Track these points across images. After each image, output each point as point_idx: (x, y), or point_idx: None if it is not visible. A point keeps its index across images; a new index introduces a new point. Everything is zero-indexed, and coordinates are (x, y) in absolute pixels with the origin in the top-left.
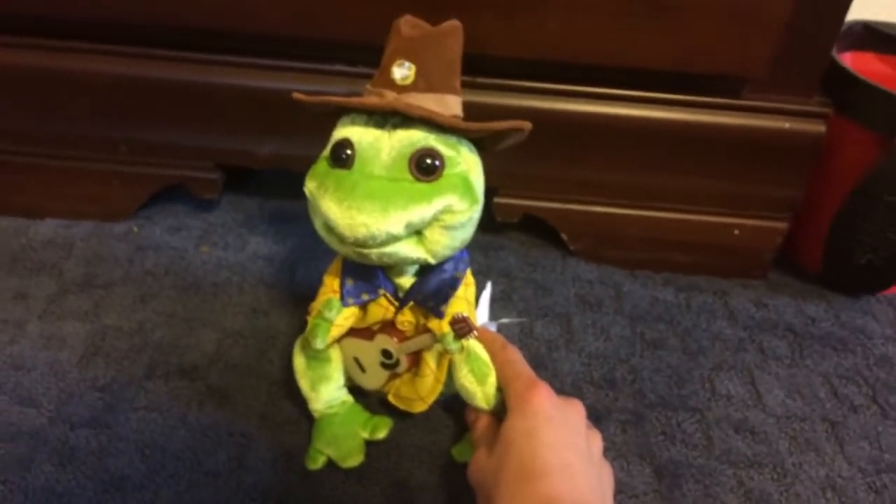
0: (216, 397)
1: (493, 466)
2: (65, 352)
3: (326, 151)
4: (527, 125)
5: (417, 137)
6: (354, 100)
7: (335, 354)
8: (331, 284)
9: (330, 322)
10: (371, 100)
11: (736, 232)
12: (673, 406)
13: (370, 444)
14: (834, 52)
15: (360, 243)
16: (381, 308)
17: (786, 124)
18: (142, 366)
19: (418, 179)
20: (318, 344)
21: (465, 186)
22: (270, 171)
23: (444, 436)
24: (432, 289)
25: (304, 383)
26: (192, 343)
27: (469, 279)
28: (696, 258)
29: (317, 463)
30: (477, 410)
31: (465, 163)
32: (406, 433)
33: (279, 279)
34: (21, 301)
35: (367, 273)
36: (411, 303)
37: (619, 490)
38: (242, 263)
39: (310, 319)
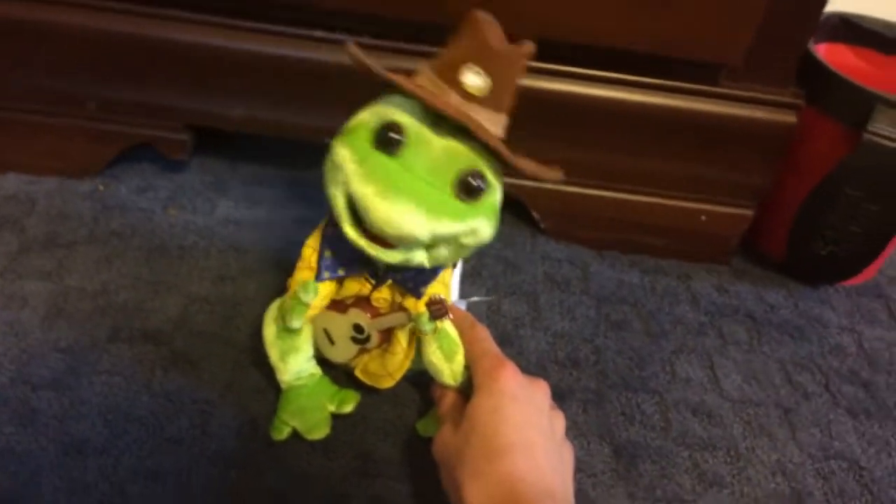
0: (181, 363)
1: (458, 443)
2: (26, 311)
3: (367, 122)
4: (559, 176)
5: (470, 157)
6: (424, 93)
7: (306, 326)
8: (308, 258)
9: (306, 305)
10: (440, 101)
11: (703, 217)
12: (633, 387)
13: (336, 417)
14: (809, 44)
15: (388, 238)
16: (358, 283)
17: (758, 113)
18: (105, 328)
19: (458, 197)
20: (295, 324)
21: (495, 214)
22: (243, 134)
23: (410, 410)
24: (413, 272)
25: (273, 353)
26: (157, 307)
27: None
28: (663, 241)
29: (282, 434)
30: (444, 387)
31: (499, 191)
32: (372, 407)
33: (248, 245)
34: None
35: (348, 248)
36: (389, 280)
37: (579, 469)
38: (211, 227)
39: (287, 297)
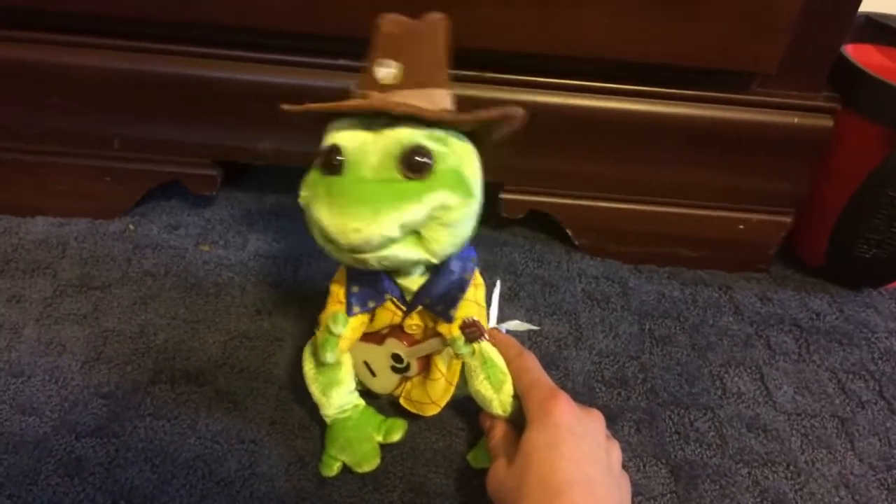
0: (224, 402)
1: (514, 479)
2: (65, 357)
3: (318, 160)
4: (516, 112)
5: (404, 135)
6: (336, 104)
7: (345, 358)
8: (337, 294)
9: (337, 337)
10: (353, 102)
11: (741, 226)
12: (685, 404)
13: (384, 449)
14: None
15: (356, 249)
16: (389, 312)
17: (794, 119)
18: (146, 371)
19: (409, 178)
20: (328, 358)
21: (459, 180)
22: (266, 165)
23: (458, 439)
24: (440, 292)
25: (314, 389)
26: (197, 346)
27: (478, 280)
28: (700, 252)
29: (332, 469)
30: (492, 417)
31: (457, 156)
32: (420, 436)
33: (282, 278)
34: (16, 304)
35: (372, 278)
36: (419, 307)
37: (637, 492)
38: (244, 262)
39: (318, 332)
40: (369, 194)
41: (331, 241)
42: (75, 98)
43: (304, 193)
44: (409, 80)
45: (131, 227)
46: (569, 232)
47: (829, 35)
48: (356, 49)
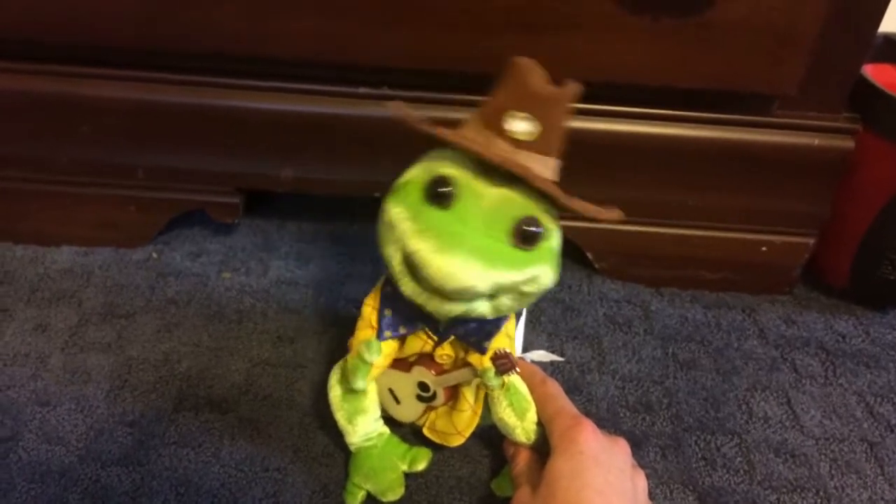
0: (248, 430)
1: None
2: (90, 386)
3: (417, 178)
4: (617, 216)
5: (524, 203)
6: (476, 144)
7: (371, 386)
8: (369, 317)
9: (370, 365)
10: (493, 154)
11: (763, 248)
12: (711, 429)
13: (408, 476)
14: None
15: (451, 295)
16: (420, 340)
17: (815, 140)
18: (170, 399)
19: (516, 246)
20: (359, 385)
21: (554, 259)
22: (287, 193)
23: (482, 467)
24: (474, 326)
25: (340, 416)
26: (221, 373)
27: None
28: (722, 275)
29: (356, 499)
30: (516, 445)
31: (558, 235)
32: (444, 464)
33: (303, 304)
34: (41, 333)
35: (408, 305)
36: (451, 336)
37: None
38: (266, 289)
39: (349, 357)
40: (479, 247)
41: (424, 277)
42: (101, 129)
43: (397, 210)
44: (543, 146)
45: (154, 255)
46: (589, 255)
47: (849, 56)
48: (376, 77)
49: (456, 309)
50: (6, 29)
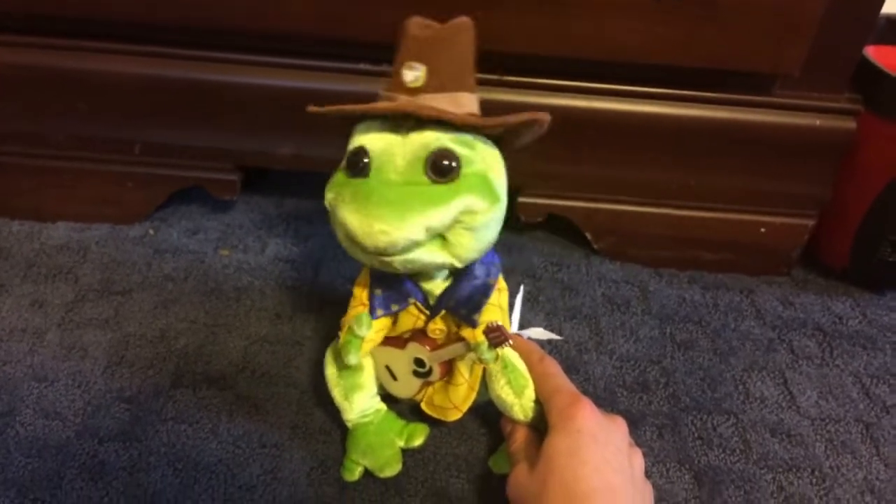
0: (246, 407)
1: (535, 485)
2: (87, 362)
3: (343, 161)
4: (544, 117)
5: (431, 139)
6: (365, 106)
7: (367, 362)
8: (360, 296)
9: (361, 339)
10: (379, 105)
11: (763, 230)
12: (707, 409)
13: (405, 453)
14: None
15: (381, 252)
16: (412, 316)
17: (816, 121)
18: (168, 375)
19: (435, 182)
20: (352, 360)
21: (485, 185)
22: (285, 170)
23: (479, 444)
24: (464, 296)
25: (336, 393)
26: (218, 350)
27: (502, 284)
28: (721, 256)
29: (353, 474)
30: (513, 422)
31: (484, 161)
32: (441, 441)
33: (301, 282)
34: (38, 308)
35: (396, 282)
36: (443, 311)
37: (661, 498)
38: (263, 266)
39: (341, 334)
40: (395, 197)
41: (356, 243)
42: (98, 104)
43: (329, 195)
44: (436, 84)
45: (151, 231)
46: (588, 236)
47: (852, 37)
48: (377, 53)
49: (407, 261)
50: (3, 2)
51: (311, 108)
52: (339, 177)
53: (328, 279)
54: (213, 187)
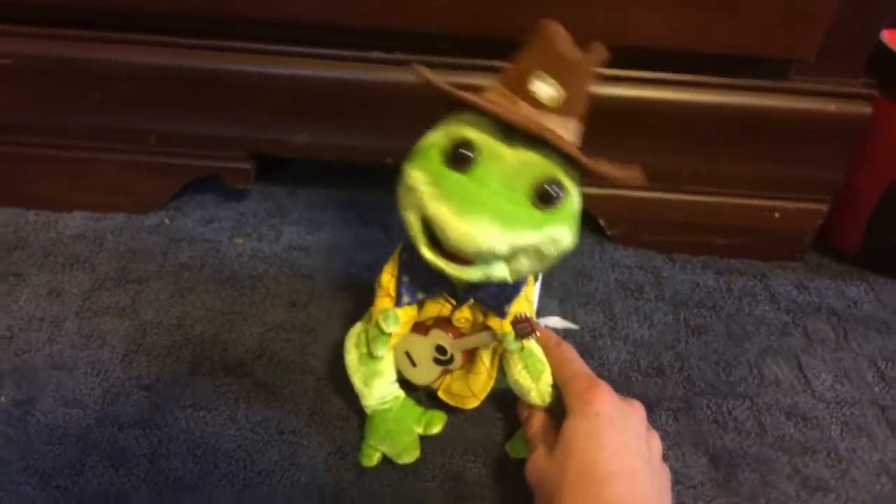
0: (263, 393)
1: (554, 469)
2: (105, 350)
3: (438, 142)
4: (641, 179)
5: (545, 165)
6: (498, 108)
7: (388, 350)
8: (387, 286)
9: (388, 335)
10: (515, 116)
11: (776, 215)
12: (723, 393)
13: (422, 439)
14: None
15: (465, 255)
16: (438, 304)
17: (831, 106)
18: (185, 362)
19: (536, 206)
20: (380, 354)
21: (574, 220)
22: (299, 159)
23: (496, 429)
24: (494, 290)
25: (356, 379)
26: (234, 338)
27: (529, 277)
28: (734, 241)
29: (371, 460)
30: (530, 407)
31: (578, 197)
32: (458, 427)
33: (316, 270)
34: (56, 298)
35: (426, 270)
36: (471, 300)
37: (677, 481)
38: (278, 255)
39: (369, 327)
40: (498, 209)
41: (441, 237)
42: (113, 94)
43: (417, 174)
44: (565, 109)
45: (167, 221)
46: (601, 222)
47: (868, 21)
48: (390, 41)
49: (474, 273)
50: None
51: (421, 71)
52: (432, 160)
53: (342, 267)
54: (227, 176)
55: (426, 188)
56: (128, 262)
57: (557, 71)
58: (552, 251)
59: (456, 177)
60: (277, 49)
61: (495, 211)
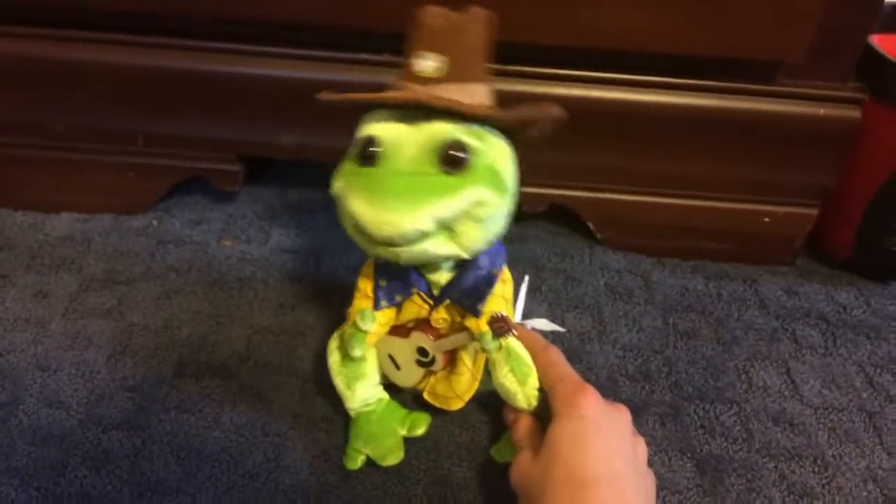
0: (249, 396)
1: (539, 472)
2: (91, 351)
3: (351, 147)
4: (556, 110)
5: (443, 130)
6: (376, 95)
7: (370, 352)
8: (364, 289)
9: (365, 333)
10: (392, 94)
11: (766, 219)
12: (710, 398)
13: (407, 442)
14: None
15: (390, 242)
16: (416, 306)
17: (820, 110)
18: (171, 364)
19: (446, 172)
20: (357, 353)
21: (495, 177)
22: (288, 160)
23: (481, 432)
24: (468, 287)
25: (339, 381)
26: (221, 340)
27: (506, 275)
28: (724, 245)
29: (356, 462)
30: (516, 411)
31: (494, 153)
32: (443, 430)
33: (304, 272)
34: (42, 299)
35: (401, 273)
36: (447, 301)
37: (663, 486)
38: (266, 257)
39: (346, 327)
40: (405, 187)
41: (364, 232)
42: (100, 95)
43: (337, 184)
44: (450, 74)
45: (155, 222)
46: (591, 225)
47: (856, 25)
48: (378, 42)
49: (414, 253)
50: None
51: (323, 95)
52: (347, 166)
53: (331, 269)
54: (215, 178)
55: (344, 191)
56: (115, 263)
57: (433, 44)
58: (485, 213)
59: (365, 171)
60: (265, 50)
61: (402, 189)
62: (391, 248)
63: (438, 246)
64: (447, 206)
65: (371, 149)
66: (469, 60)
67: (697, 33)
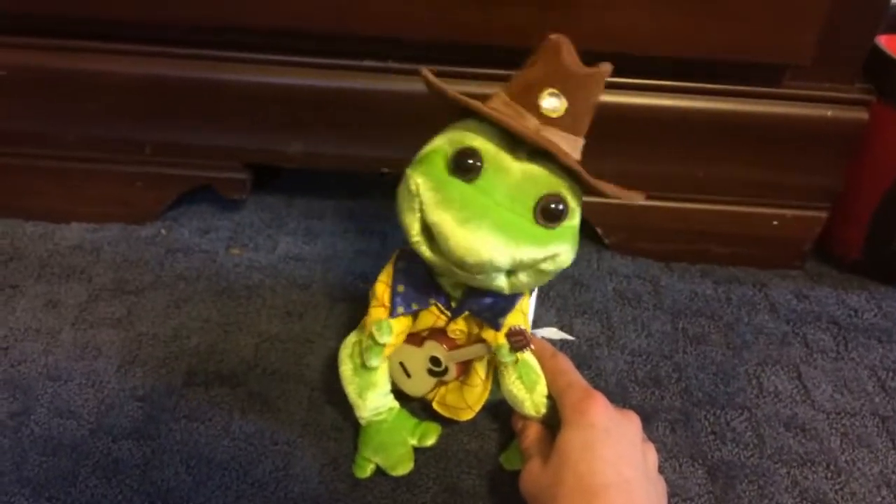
0: (258, 404)
1: (549, 480)
2: (101, 361)
3: (442, 149)
4: (640, 198)
5: (550, 181)
6: (502, 117)
7: (383, 362)
8: (381, 296)
9: (383, 346)
10: (519, 126)
11: (775, 222)
12: (721, 404)
13: (416, 450)
14: None
15: (462, 265)
16: (433, 316)
17: (827, 112)
18: (180, 374)
19: (539, 223)
20: (374, 364)
21: (575, 239)
22: (295, 168)
23: (491, 441)
24: (489, 302)
25: (350, 390)
26: (230, 348)
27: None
28: (732, 249)
29: (365, 471)
30: (525, 418)
31: (579, 215)
32: (452, 438)
33: (312, 280)
34: (52, 309)
35: (421, 282)
36: (465, 312)
37: (674, 493)
38: (274, 265)
39: (363, 339)
40: (503, 222)
41: (443, 245)
42: (108, 105)
43: (419, 180)
44: (570, 123)
45: (163, 231)
46: (599, 230)
47: (863, 26)
48: (382, 50)
49: (474, 280)
50: (10, 3)
51: (428, 76)
52: (436, 167)
53: (338, 277)
54: (223, 187)
55: (429, 194)
56: (124, 272)
57: (564, 85)
58: (551, 267)
59: (460, 185)
60: (271, 58)
61: (499, 224)
62: (463, 272)
63: (496, 281)
64: (531, 253)
65: (472, 162)
66: (583, 113)
67: (703, 36)
